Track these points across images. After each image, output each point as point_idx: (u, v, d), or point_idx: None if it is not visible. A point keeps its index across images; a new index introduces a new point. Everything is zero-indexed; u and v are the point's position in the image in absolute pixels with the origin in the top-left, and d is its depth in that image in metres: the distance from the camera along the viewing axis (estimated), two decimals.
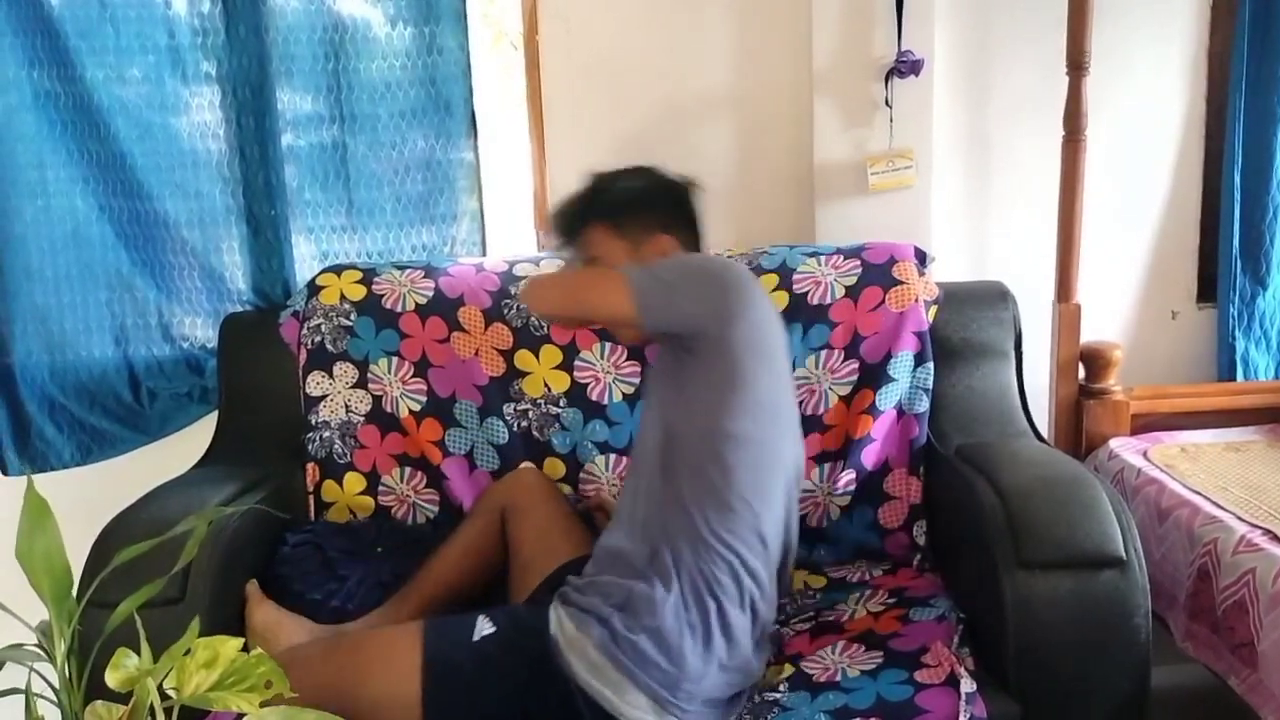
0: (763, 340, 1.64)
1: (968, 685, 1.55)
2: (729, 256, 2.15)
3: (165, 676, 1.05)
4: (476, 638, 1.52)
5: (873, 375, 2.07)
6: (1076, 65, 2.23)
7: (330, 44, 2.33)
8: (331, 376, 2.14)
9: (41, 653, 1.11)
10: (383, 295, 2.17)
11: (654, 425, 1.66)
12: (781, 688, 1.62)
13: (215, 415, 2.25)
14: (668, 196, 1.84)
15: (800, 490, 1.77)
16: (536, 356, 2.15)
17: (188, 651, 1.06)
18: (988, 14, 2.43)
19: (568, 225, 1.84)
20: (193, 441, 2.28)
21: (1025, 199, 2.49)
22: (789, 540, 1.67)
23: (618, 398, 2.14)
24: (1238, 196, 2.42)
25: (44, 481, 1.17)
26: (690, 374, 1.62)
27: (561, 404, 2.14)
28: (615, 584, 1.54)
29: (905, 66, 2.29)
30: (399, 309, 2.15)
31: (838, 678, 1.64)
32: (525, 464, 2.10)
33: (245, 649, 1.08)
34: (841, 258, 2.17)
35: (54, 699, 1.10)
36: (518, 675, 1.50)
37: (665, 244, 1.78)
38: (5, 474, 2.34)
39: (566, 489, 2.09)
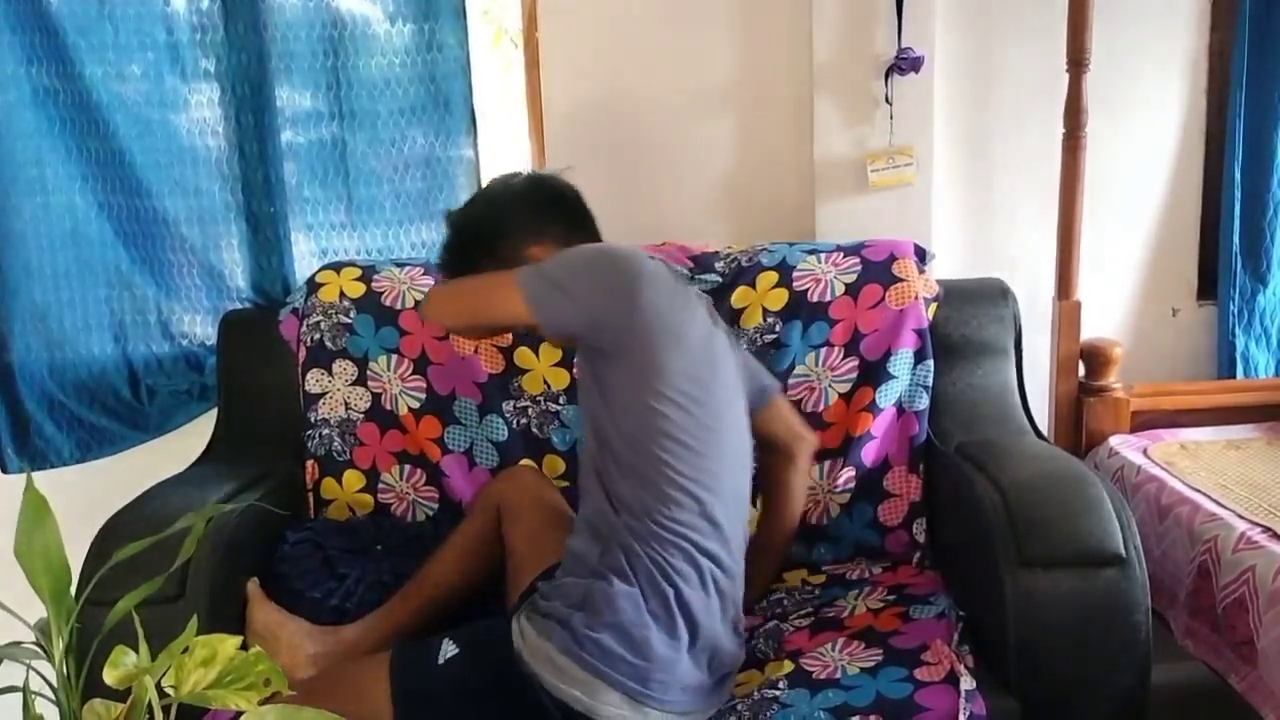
0: (669, 320, 1.57)
1: (967, 683, 1.55)
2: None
3: (163, 674, 1.05)
4: (442, 661, 1.51)
5: (873, 372, 2.07)
6: (1077, 62, 2.22)
7: (329, 41, 2.33)
8: (331, 374, 2.14)
9: (40, 650, 1.11)
10: (382, 292, 2.16)
11: (589, 433, 1.64)
12: (781, 685, 1.62)
13: (215, 413, 2.25)
14: (523, 207, 1.77)
15: (751, 451, 1.73)
16: (536, 354, 2.15)
17: (186, 649, 1.06)
18: (988, 11, 2.43)
19: (453, 275, 1.78)
20: (192, 439, 2.28)
21: (1025, 196, 2.49)
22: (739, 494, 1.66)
23: None
24: (1238, 193, 2.42)
25: (43, 479, 1.17)
26: (608, 377, 1.59)
27: (561, 401, 2.13)
28: (574, 584, 1.53)
29: (905, 63, 2.29)
30: (398, 306, 2.15)
31: (837, 675, 1.63)
32: (524, 462, 2.09)
33: (244, 647, 1.08)
34: (841, 255, 2.16)
35: (52, 697, 1.10)
36: (487, 693, 1.49)
37: (539, 253, 1.69)
38: (4, 472, 2.33)
39: (564, 484, 2.09)
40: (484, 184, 2.41)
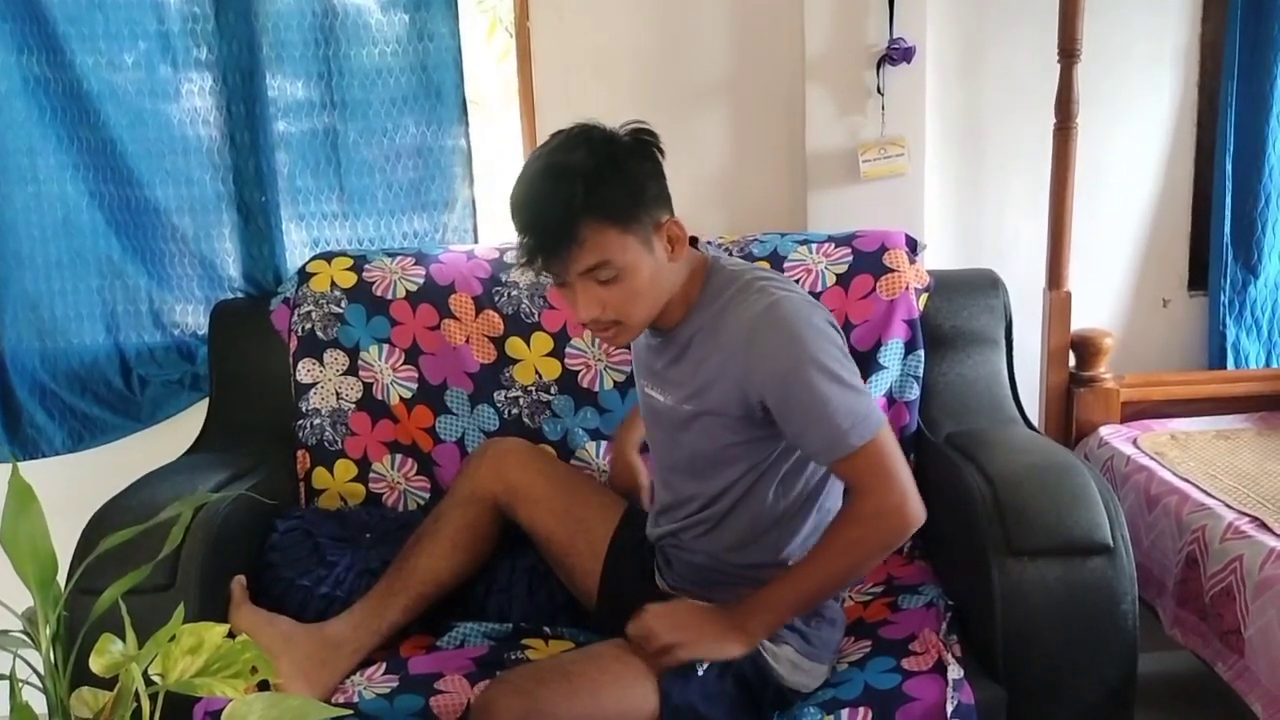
0: None
1: (954, 672, 1.56)
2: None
3: (150, 662, 1.05)
4: (700, 673, 1.52)
5: (863, 363, 2.07)
6: (1068, 53, 2.22)
7: (321, 30, 2.32)
8: (322, 364, 2.14)
9: (27, 639, 1.11)
10: (374, 282, 2.17)
11: (743, 472, 1.62)
12: None
13: (206, 402, 2.26)
14: (657, 163, 1.55)
15: None
16: (527, 344, 2.15)
17: (173, 637, 1.06)
18: (979, 1, 2.42)
19: (559, 233, 1.46)
20: (184, 428, 2.28)
21: (1017, 187, 2.48)
22: None
23: (609, 385, 2.14)
24: (1229, 184, 2.42)
25: (35, 468, 1.17)
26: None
27: (552, 391, 2.14)
28: None
29: (897, 54, 2.29)
30: (390, 296, 2.15)
31: None
32: (499, 439, 1.97)
33: (231, 635, 1.08)
34: (833, 245, 2.17)
35: (39, 685, 1.10)
36: (735, 696, 1.54)
37: (674, 227, 1.53)
38: None
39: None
40: (474, 172, 2.42)
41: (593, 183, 1.44)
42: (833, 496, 1.67)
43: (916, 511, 1.51)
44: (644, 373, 1.71)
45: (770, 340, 1.49)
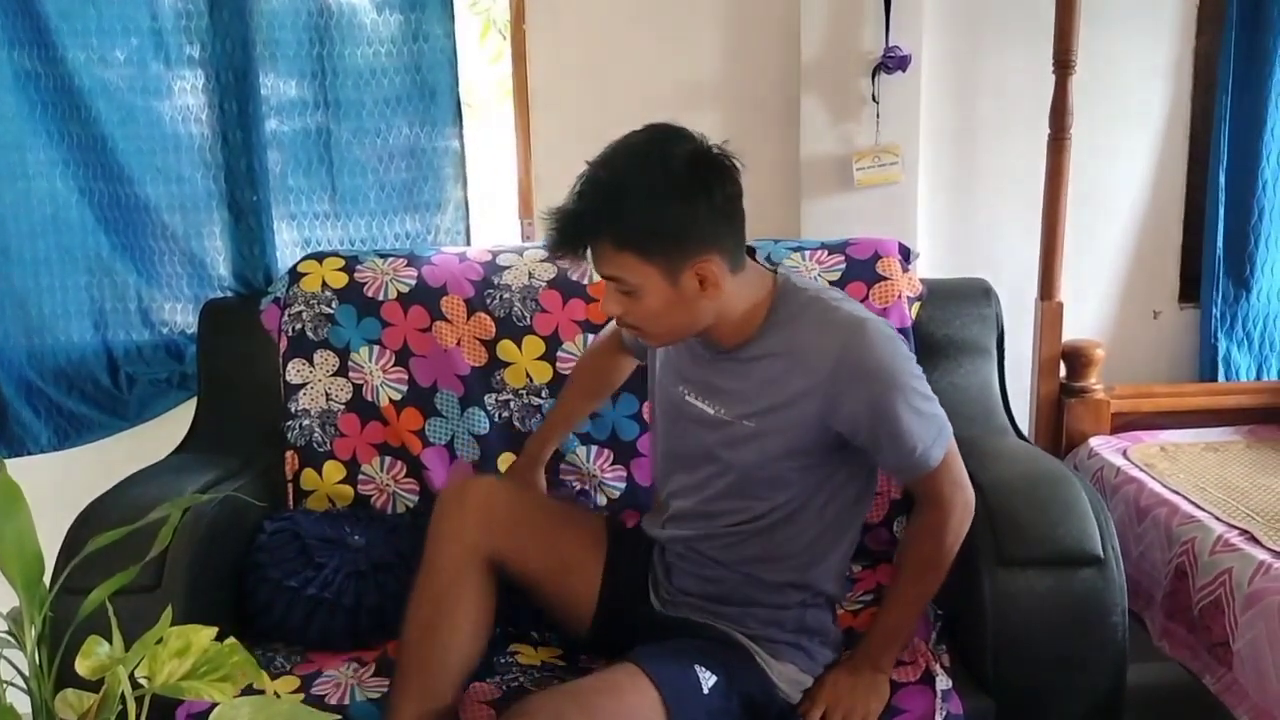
0: None
1: (943, 683, 1.56)
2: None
3: (137, 665, 1.04)
4: (706, 691, 1.50)
5: None
6: (1063, 64, 2.23)
7: (315, 29, 2.31)
8: (312, 364, 2.13)
9: (11, 639, 1.10)
10: (365, 283, 2.15)
11: (774, 492, 1.61)
12: None
13: (194, 402, 2.24)
14: (709, 201, 1.45)
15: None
16: (519, 347, 2.14)
17: (160, 640, 1.05)
18: (976, 11, 2.43)
19: (575, 241, 1.47)
20: (171, 428, 2.27)
21: (1010, 197, 2.49)
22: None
23: None
24: (1222, 197, 2.43)
25: (20, 466, 1.16)
26: (855, 459, 1.60)
27: (543, 395, 2.13)
28: (784, 613, 1.64)
29: (893, 62, 2.29)
30: (381, 297, 2.14)
31: None
32: (475, 483, 1.77)
33: (219, 638, 1.07)
34: (826, 253, 2.16)
35: (24, 686, 1.09)
36: (741, 716, 1.54)
37: (710, 269, 1.46)
38: None
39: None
40: (467, 174, 2.41)
41: (624, 208, 1.43)
42: (860, 519, 1.69)
43: (974, 502, 1.60)
44: (681, 379, 1.66)
45: (859, 367, 1.49)
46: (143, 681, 1.05)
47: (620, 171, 1.45)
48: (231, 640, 1.08)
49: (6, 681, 1.07)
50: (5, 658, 1.11)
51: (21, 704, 1.07)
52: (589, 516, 1.89)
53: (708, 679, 1.50)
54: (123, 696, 1.03)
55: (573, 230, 1.46)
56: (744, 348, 1.57)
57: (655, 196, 1.43)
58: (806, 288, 1.60)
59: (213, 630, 1.07)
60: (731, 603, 1.64)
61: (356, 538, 1.90)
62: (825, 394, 1.50)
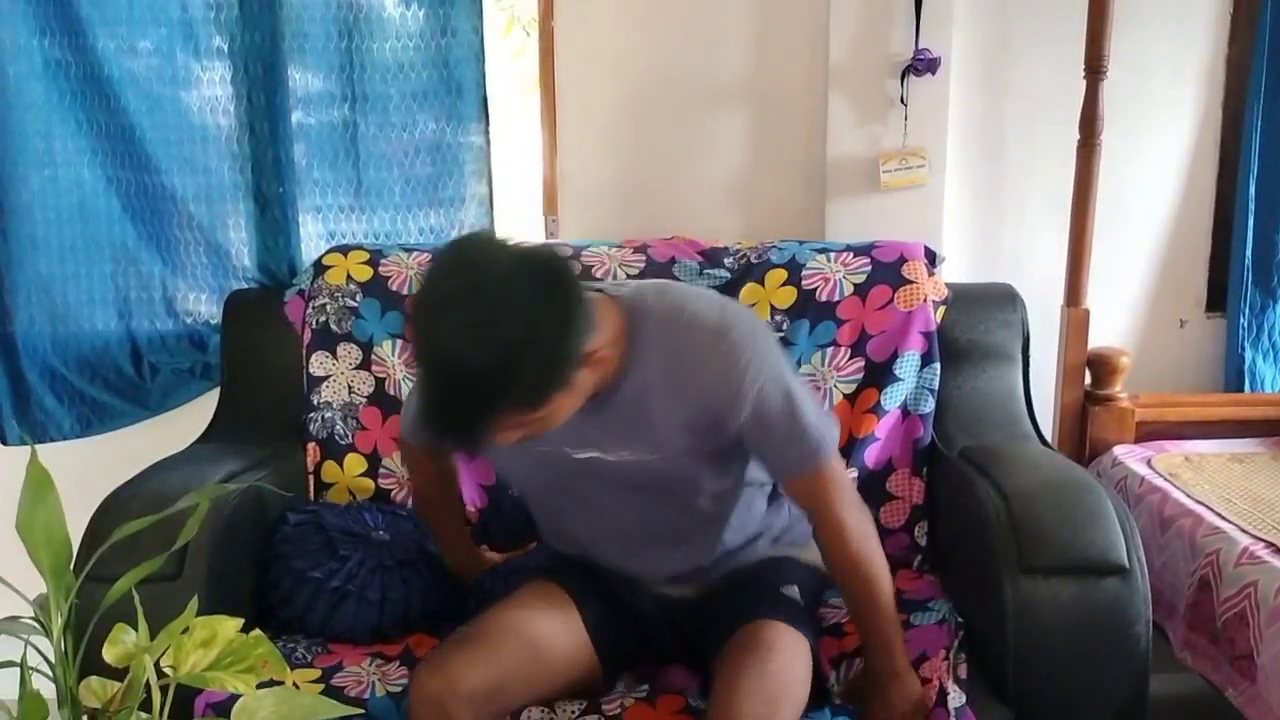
0: None
1: (955, 700, 1.53)
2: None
3: (162, 654, 1.04)
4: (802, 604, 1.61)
5: (878, 374, 2.06)
6: (1094, 69, 2.21)
7: (343, 22, 2.32)
8: (335, 357, 2.13)
9: (38, 626, 1.10)
10: (389, 277, 2.16)
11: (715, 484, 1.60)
12: None
13: (217, 392, 2.24)
14: (568, 302, 1.29)
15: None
16: None
17: (186, 630, 1.05)
18: (1007, 15, 2.41)
19: (475, 443, 1.38)
20: (193, 418, 2.27)
21: (1037, 202, 2.48)
22: None
23: None
24: (1252, 206, 2.41)
25: (42, 452, 1.16)
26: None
27: None
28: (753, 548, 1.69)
29: (922, 64, 2.28)
30: (406, 291, 2.14)
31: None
32: (440, 680, 1.44)
33: (244, 629, 1.07)
34: (851, 255, 2.15)
35: (49, 673, 1.09)
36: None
37: (595, 354, 1.36)
38: (4, 443, 2.33)
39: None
40: (492, 169, 2.40)
41: (505, 391, 1.26)
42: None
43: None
44: (566, 441, 1.50)
45: (734, 389, 1.44)
46: (167, 671, 1.05)
47: (476, 359, 1.23)
48: (257, 632, 1.08)
49: (32, 668, 1.07)
50: (32, 644, 1.11)
51: (47, 691, 1.07)
52: (548, 592, 1.63)
53: (792, 591, 1.61)
54: (147, 685, 1.03)
55: (471, 438, 1.33)
56: (618, 387, 1.45)
57: (522, 356, 1.24)
58: (650, 309, 1.48)
59: (238, 621, 1.07)
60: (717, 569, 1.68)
61: (380, 532, 1.90)
62: (708, 409, 1.46)
